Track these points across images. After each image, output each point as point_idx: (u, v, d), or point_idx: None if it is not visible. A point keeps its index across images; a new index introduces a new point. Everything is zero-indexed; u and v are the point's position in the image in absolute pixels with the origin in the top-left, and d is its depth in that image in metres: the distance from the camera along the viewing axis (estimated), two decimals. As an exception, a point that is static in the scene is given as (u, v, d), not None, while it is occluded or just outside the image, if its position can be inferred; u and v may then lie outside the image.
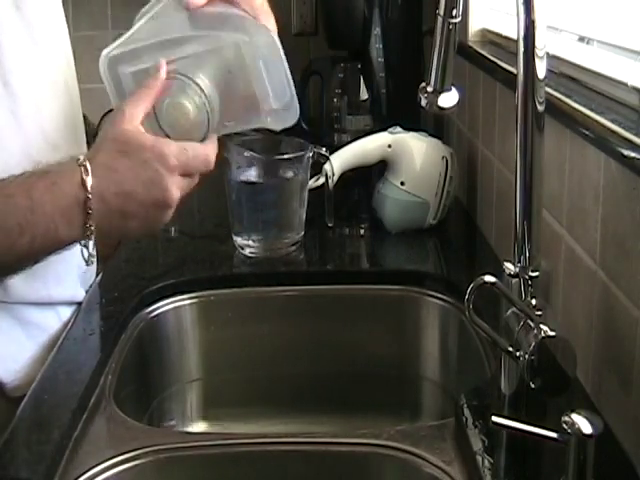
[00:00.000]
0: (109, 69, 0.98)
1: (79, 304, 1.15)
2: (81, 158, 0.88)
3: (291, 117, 0.99)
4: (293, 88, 0.98)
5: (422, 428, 0.92)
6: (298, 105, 0.98)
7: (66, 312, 1.13)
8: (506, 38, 1.38)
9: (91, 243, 0.89)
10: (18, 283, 1.01)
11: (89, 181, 0.86)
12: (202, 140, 0.95)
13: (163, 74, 0.93)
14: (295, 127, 1.54)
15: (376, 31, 1.77)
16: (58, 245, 0.90)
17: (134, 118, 0.90)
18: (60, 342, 1.06)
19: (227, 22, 0.97)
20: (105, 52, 0.97)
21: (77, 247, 0.99)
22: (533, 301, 0.81)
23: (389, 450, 0.87)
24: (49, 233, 0.87)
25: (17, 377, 1.03)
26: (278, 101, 0.97)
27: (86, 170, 0.87)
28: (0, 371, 1.02)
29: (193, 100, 0.94)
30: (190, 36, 0.96)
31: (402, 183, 1.40)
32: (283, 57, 0.97)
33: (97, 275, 1.22)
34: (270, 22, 0.98)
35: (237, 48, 0.95)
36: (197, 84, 0.95)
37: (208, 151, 0.94)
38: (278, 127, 1.00)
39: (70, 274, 1.12)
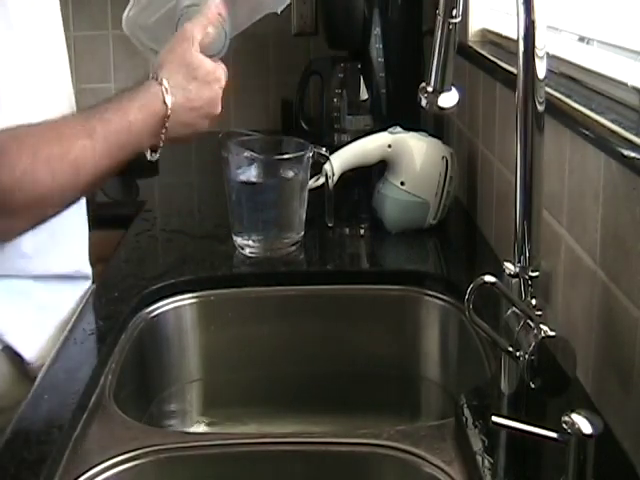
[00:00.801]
0: (132, 28, 1.17)
1: (87, 280, 1.21)
2: (158, 77, 1.07)
3: None
4: None
5: (422, 428, 0.92)
6: None
7: (77, 290, 1.18)
8: (506, 38, 1.38)
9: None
10: (33, 258, 1.07)
11: (169, 99, 1.06)
12: (222, 48, 1.17)
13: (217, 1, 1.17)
14: (295, 127, 1.54)
15: (376, 31, 1.77)
16: (138, 154, 1.07)
17: (197, 43, 1.12)
18: (60, 342, 1.06)
19: None
20: (124, 15, 1.16)
21: (82, 219, 1.19)
22: (533, 301, 0.81)
23: (389, 450, 0.87)
24: (138, 146, 1.06)
25: (40, 356, 1.07)
26: None
27: (166, 90, 1.06)
28: (23, 351, 1.06)
29: None
30: None
31: (402, 183, 1.40)
32: None
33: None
34: None
35: None
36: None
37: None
38: (279, 9, 1.21)
39: (78, 247, 1.19)
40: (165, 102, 1.06)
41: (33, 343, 1.08)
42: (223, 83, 1.15)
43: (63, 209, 1.04)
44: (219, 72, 1.14)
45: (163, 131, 1.07)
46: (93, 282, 1.23)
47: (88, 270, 1.22)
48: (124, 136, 1.03)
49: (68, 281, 1.16)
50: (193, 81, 1.10)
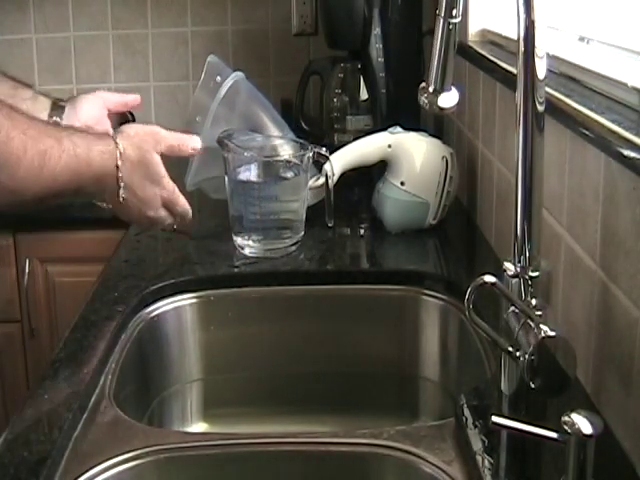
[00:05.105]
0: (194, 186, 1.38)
1: None
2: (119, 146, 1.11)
3: None
4: None
5: (422, 428, 0.92)
6: None
7: None
8: (506, 38, 1.38)
9: None
10: None
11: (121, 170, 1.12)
12: None
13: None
14: (295, 127, 1.53)
15: (376, 31, 1.77)
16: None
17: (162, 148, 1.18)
18: (61, 342, 1.06)
19: None
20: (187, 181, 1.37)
21: None
22: (533, 301, 0.81)
23: (389, 450, 0.87)
24: (80, 181, 1.08)
25: None
26: None
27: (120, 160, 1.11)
28: None
29: None
30: None
31: (402, 183, 1.40)
32: None
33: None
34: None
35: None
36: None
37: None
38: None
39: None
40: (117, 166, 1.10)
41: None
42: (167, 196, 1.17)
43: (12, 199, 1.03)
44: (171, 185, 1.17)
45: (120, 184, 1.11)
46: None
47: None
48: (82, 166, 1.06)
49: None
50: (144, 178, 1.14)
